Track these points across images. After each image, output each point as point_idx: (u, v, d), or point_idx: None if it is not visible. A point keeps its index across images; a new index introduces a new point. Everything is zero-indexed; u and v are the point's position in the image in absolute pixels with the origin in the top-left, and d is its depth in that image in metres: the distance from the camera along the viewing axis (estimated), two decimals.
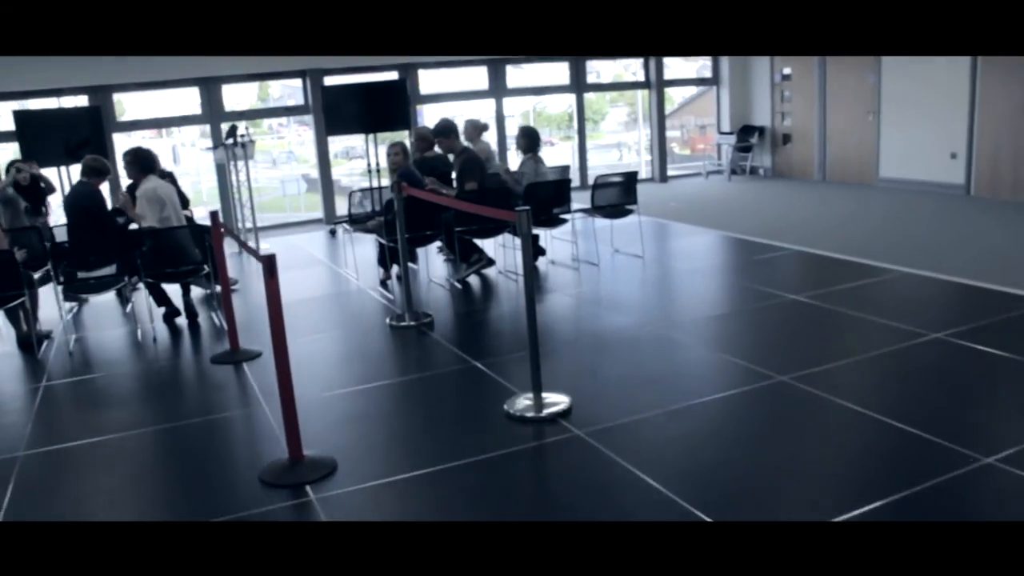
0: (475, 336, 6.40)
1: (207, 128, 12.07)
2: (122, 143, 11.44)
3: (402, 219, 6.59)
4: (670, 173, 14.85)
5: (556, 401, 4.67)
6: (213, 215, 6.04)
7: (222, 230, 6.24)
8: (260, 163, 22.15)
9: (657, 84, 14.24)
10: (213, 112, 11.78)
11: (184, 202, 8.32)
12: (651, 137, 14.62)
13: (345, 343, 6.40)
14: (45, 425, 5.11)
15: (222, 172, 11.51)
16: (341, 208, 11.31)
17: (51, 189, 8.41)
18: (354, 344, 6.38)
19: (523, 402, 4.69)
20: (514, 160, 12.30)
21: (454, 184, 7.97)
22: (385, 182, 8.86)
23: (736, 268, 7.94)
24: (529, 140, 8.15)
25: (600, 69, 14.95)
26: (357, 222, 8.69)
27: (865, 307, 6.17)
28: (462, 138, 8.27)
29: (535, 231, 7.96)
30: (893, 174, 12.27)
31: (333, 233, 11.30)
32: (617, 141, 17.73)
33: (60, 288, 6.81)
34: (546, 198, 7.93)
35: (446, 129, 7.89)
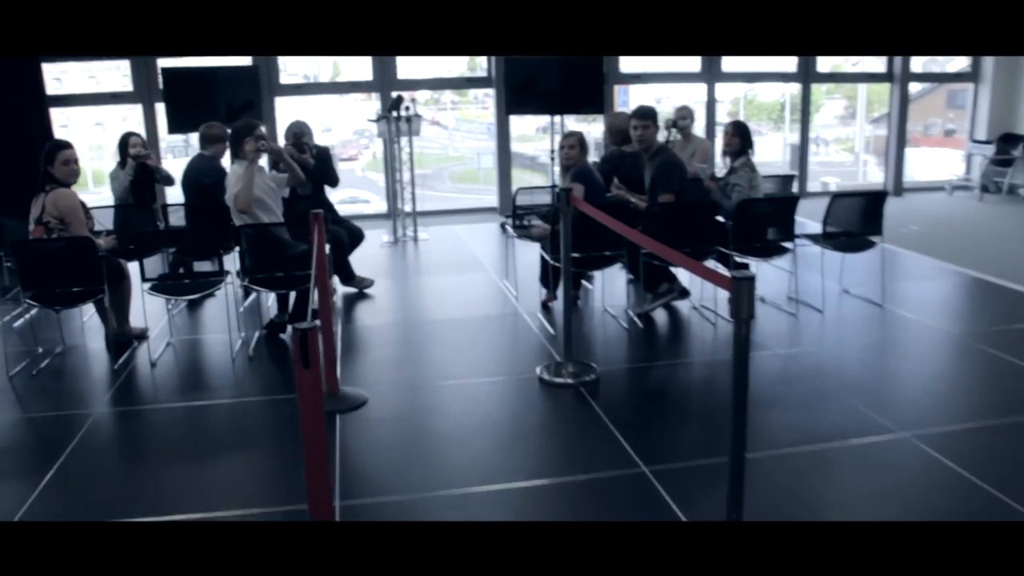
0: (650, 414, 4.60)
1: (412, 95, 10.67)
2: (284, 107, 10.38)
3: (568, 238, 4.95)
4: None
5: None
6: (315, 214, 4.59)
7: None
8: (462, 131, 21.50)
9: (902, 77, 11.93)
10: (384, 79, 10.47)
11: (330, 180, 7.02)
12: (888, 141, 12.33)
13: (475, 403, 4.75)
14: (55, 491, 3.82)
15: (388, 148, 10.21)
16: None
17: (168, 181, 7.28)
18: (488, 406, 4.73)
19: None
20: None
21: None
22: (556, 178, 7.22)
23: (1013, 342, 5.76)
24: (743, 139, 6.27)
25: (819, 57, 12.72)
26: (520, 225, 7.12)
27: None
28: (665, 132, 6.55)
29: (744, 259, 6.16)
30: None
31: (504, 228, 9.78)
32: (815, 135, 15.58)
33: (145, 287, 5.57)
34: (762, 219, 6.10)
35: (649, 113, 6.10)
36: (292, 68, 11.94)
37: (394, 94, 9.43)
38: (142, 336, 5.97)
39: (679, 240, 5.72)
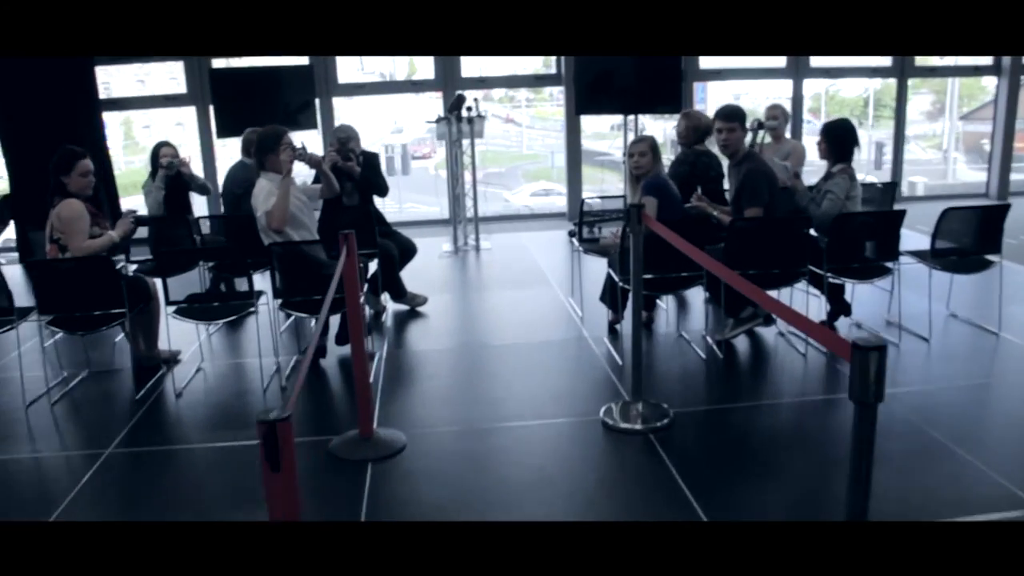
0: (731, 473, 3.87)
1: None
2: (351, 107, 9.92)
3: (638, 259, 4.31)
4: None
5: None
6: (346, 235, 4.03)
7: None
8: (536, 129, 21.34)
9: (1012, 70, 10.93)
10: (448, 78, 9.91)
11: (379, 189, 6.44)
12: (992, 140, 11.35)
13: (528, 452, 4.10)
14: None
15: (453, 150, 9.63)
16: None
17: (204, 190, 6.83)
18: (542, 456, 4.06)
19: None
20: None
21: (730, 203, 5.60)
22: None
23: None
24: (841, 145, 5.48)
25: None
26: (587, 239, 6.48)
27: None
28: (751, 134, 5.81)
29: (839, 280, 5.43)
30: None
31: (573, 236, 9.15)
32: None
33: (170, 311, 5.09)
34: (861, 235, 5.36)
35: (735, 113, 5.34)
36: (369, 67, 11.56)
37: (458, 93, 8.86)
38: (173, 360, 5.54)
39: (767, 259, 5.10)
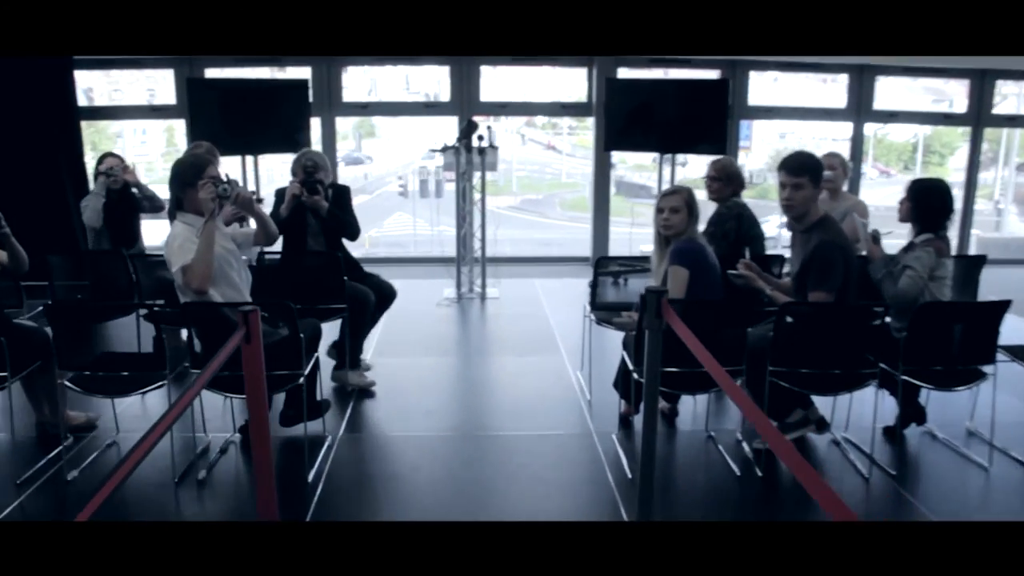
0: None
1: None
2: (384, 128, 8.95)
3: (655, 359, 3.19)
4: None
5: None
6: (245, 313, 2.93)
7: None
8: (578, 157, 21.62)
9: None
10: (464, 100, 8.87)
11: (349, 230, 5.33)
12: None
13: None
14: None
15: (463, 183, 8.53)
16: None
17: (157, 206, 5.80)
18: None
19: None
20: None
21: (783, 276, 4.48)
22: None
23: None
24: (932, 212, 4.27)
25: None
26: (603, 307, 5.35)
27: None
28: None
29: (914, 381, 4.24)
30: None
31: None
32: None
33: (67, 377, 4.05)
34: (948, 329, 4.19)
35: (805, 166, 4.05)
36: (414, 87, 10.75)
37: (469, 119, 7.78)
38: (86, 427, 4.52)
39: (826, 355, 3.96)
